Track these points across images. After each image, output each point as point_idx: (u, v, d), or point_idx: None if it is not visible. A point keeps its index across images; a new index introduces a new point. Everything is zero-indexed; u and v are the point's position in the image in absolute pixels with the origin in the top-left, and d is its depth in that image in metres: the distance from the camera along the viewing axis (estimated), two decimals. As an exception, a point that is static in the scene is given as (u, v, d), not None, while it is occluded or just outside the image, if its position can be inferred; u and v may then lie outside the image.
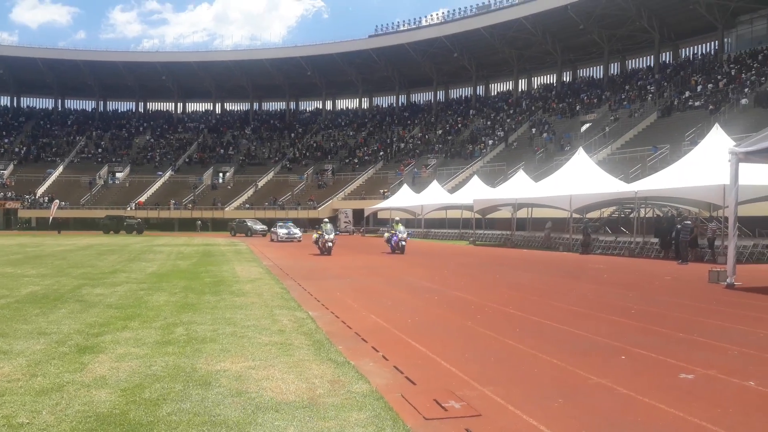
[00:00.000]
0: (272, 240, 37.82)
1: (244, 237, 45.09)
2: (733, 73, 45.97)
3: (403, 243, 24.78)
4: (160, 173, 71.09)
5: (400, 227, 25.28)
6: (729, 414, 4.62)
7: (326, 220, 25.05)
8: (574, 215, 27.92)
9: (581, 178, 27.62)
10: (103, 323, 8.11)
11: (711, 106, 41.67)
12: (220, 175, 72.02)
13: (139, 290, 11.79)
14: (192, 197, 65.99)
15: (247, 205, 63.61)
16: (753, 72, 44.11)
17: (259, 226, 47.30)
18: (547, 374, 5.81)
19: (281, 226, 38.77)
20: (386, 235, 26.35)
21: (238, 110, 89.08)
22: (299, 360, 6.17)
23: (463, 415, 4.60)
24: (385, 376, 5.68)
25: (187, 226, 59.71)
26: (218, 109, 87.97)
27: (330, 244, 23.52)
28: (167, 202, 64.04)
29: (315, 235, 24.51)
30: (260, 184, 67.95)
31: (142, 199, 66.21)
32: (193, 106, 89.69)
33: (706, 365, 6.03)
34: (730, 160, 13.04)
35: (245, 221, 49.71)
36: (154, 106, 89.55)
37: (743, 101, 39.79)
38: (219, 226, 59.01)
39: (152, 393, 5.00)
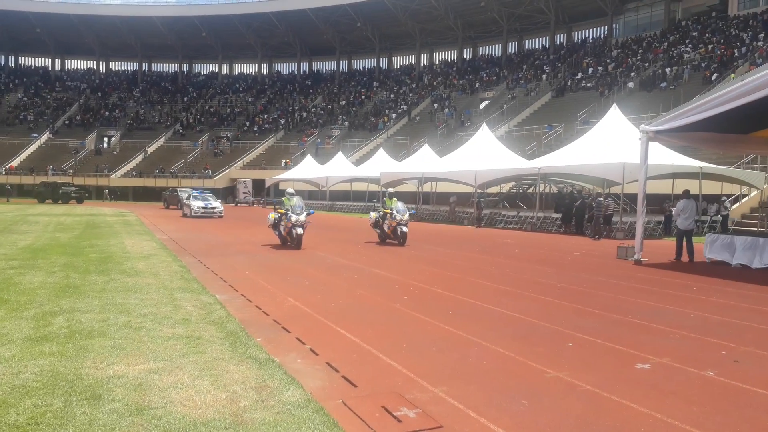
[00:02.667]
0: (185, 215, 30.50)
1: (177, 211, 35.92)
2: (620, 58, 48.48)
3: (404, 228, 16.07)
4: (35, 135, 64.48)
5: (398, 204, 16.26)
6: (707, 413, 4.22)
7: (291, 190, 15.07)
8: (478, 190, 28.18)
9: (485, 154, 27.88)
10: (-44, 314, 6.57)
11: (601, 88, 43.73)
12: (105, 139, 66.53)
13: (8, 268, 10.01)
14: (73, 162, 60.44)
15: (134, 173, 59.27)
16: (638, 57, 46.71)
17: (200, 203, 30.17)
18: (499, 368, 5.22)
19: (195, 197, 31.11)
20: (373, 215, 17.08)
21: (125, 70, 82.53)
22: (213, 359, 5.15)
23: (423, 428, 3.86)
24: (319, 377, 4.83)
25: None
26: (103, 68, 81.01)
27: (300, 230, 14.50)
28: (44, 167, 58.24)
29: (273, 216, 15.31)
30: (150, 150, 63.53)
31: (14, 163, 59.70)
32: (74, 64, 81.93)
33: (657, 352, 5.72)
34: (641, 139, 13.24)
35: (176, 191, 39.56)
36: (27, 61, 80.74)
37: (630, 84, 42.01)
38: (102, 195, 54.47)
39: (20, 415, 3.81)
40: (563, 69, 52.29)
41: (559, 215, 23.40)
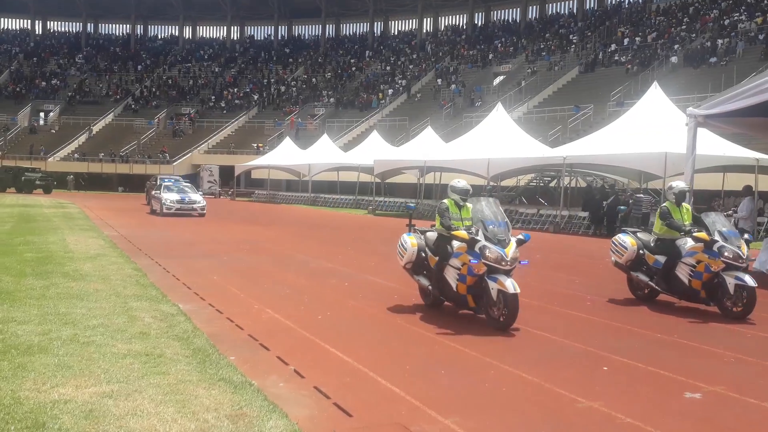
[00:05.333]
0: (154, 211, 27.51)
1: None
2: (662, 27, 48.67)
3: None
4: (-44, 109, 64.08)
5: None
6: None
7: (463, 183, 8.29)
8: (490, 183, 28.22)
9: (499, 140, 27.87)
10: None
11: (628, 64, 43.96)
12: (42, 115, 66.19)
13: (-74, 270, 9.95)
14: (2, 142, 60.04)
15: (76, 156, 58.97)
16: (683, 27, 46.91)
17: (175, 196, 26.88)
18: (520, 395, 5.24)
19: (168, 188, 27.52)
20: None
21: (66, 31, 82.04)
22: (178, 381, 5.14)
23: (433, 466, 3.87)
24: (306, 404, 4.83)
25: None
26: (38, 29, 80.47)
27: (511, 286, 7.32)
28: (-34, 147, 57.91)
29: (415, 242, 8.57)
30: (96, 128, 63.23)
31: (-71, 142, 59.36)
32: (4, 22, 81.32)
33: (708, 379, 5.76)
34: (687, 124, 13.30)
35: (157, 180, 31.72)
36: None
37: (673, 59, 42.21)
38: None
39: (-52, 447, 3.79)
40: (594, 39, 52.44)
41: (586, 214, 23.48)
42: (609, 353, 6.56)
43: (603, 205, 22.06)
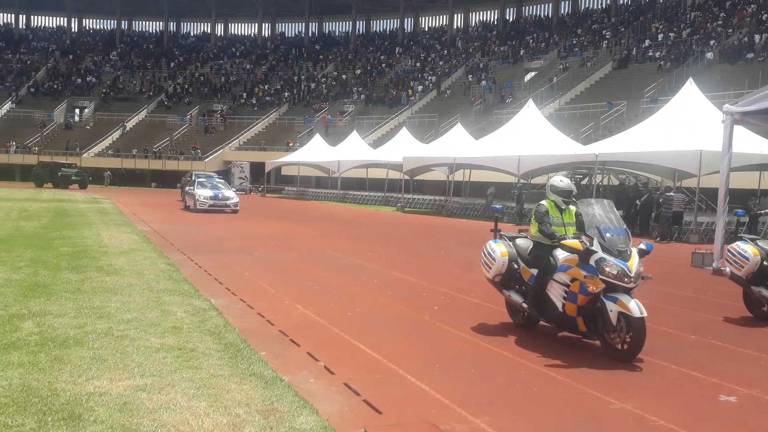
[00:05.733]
0: (188, 207, 27.66)
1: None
2: (697, 22, 47.79)
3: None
4: (-5, 105, 65.58)
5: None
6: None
7: (564, 182, 7.12)
8: (521, 180, 28.02)
9: (530, 137, 27.70)
10: None
11: (660, 60, 43.22)
12: (77, 111, 67.34)
13: (-34, 263, 10.20)
14: (39, 138, 61.27)
15: (110, 152, 59.94)
16: (720, 22, 46.01)
17: (208, 192, 26.79)
18: (552, 395, 5.20)
19: (201, 184, 27.48)
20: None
21: (101, 29, 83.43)
22: (210, 375, 5.20)
23: (464, 465, 3.86)
24: (336, 401, 4.86)
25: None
26: (75, 26, 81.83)
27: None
28: (5, 143, 59.15)
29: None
30: (129, 125, 64.18)
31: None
32: (41, 20, 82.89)
33: (744, 382, 5.66)
34: (724, 121, 13.05)
35: (191, 176, 32.02)
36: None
37: (708, 55, 41.44)
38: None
39: (-12, 436, 3.88)
40: (627, 34, 51.69)
41: (620, 213, 23.21)
42: (642, 354, 6.44)
43: (636, 203, 21.77)
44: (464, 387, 5.32)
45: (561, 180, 7.06)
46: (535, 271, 6.93)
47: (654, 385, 5.55)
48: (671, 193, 20.32)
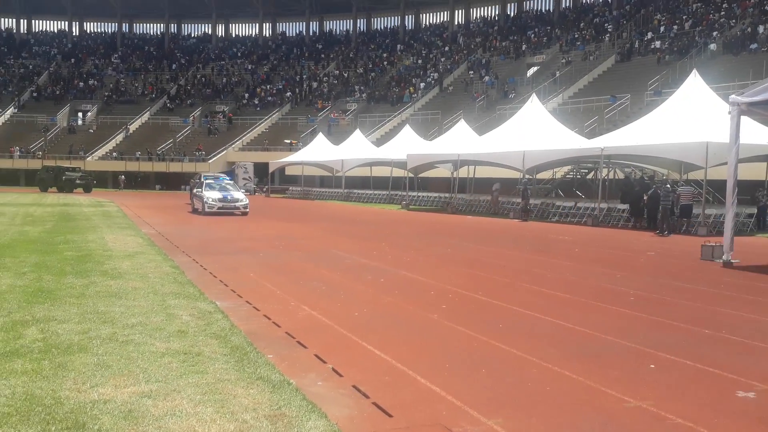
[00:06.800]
0: (196, 210, 27.05)
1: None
2: (700, 14, 47.52)
3: None
4: (-2, 110, 65.72)
5: None
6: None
7: None
8: (526, 175, 27.90)
9: (534, 132, 27.59)
10: None
11: (660, 53, 42.97)
12: (80, 115, 67.48)
13: (-30, 269, 10.14)
14: (42, 142, 61.36)
15: (114, 155, 59.98)
16: (722, 13, 45.74)
17: (217, 194, 26.09)
18: (565, 395, 5.09)
19: (210, 186, 26.80)
20: None
21: (102, 32, 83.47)
22: (216, 380, 5.11)
23: (478, 469, 3.76)
24: (346, 404, 4.76)
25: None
26: (76, 30, 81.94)
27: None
28: (8, 148, 59.30)
29: None
30: (132, 127, 64.23)
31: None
32: (42, 25, 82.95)
33: (762, 377, 5.55)
34: (730, 112, 12.93)
35: (200, 178, 30.12)
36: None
37: (712, 46, 41.22)
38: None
39: (-10, 448, 3.80)
40: (629, 27, 51.49)
41: (626, 206, 23.06)
42: (655, 350, 6.37)
43: (643, 196, 21.64)
44: (475, 387, 5.22)
45: None
46: None
47: (669, 382, 5.45)
48: (668, 186, 20.26)
